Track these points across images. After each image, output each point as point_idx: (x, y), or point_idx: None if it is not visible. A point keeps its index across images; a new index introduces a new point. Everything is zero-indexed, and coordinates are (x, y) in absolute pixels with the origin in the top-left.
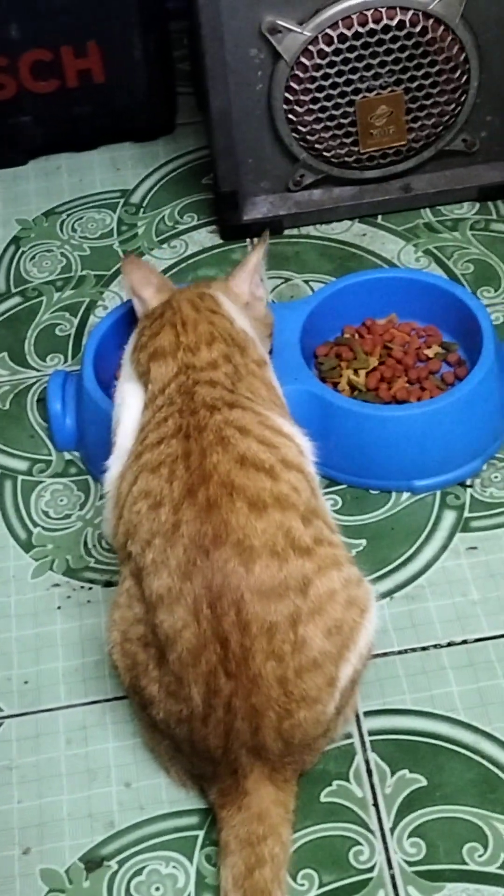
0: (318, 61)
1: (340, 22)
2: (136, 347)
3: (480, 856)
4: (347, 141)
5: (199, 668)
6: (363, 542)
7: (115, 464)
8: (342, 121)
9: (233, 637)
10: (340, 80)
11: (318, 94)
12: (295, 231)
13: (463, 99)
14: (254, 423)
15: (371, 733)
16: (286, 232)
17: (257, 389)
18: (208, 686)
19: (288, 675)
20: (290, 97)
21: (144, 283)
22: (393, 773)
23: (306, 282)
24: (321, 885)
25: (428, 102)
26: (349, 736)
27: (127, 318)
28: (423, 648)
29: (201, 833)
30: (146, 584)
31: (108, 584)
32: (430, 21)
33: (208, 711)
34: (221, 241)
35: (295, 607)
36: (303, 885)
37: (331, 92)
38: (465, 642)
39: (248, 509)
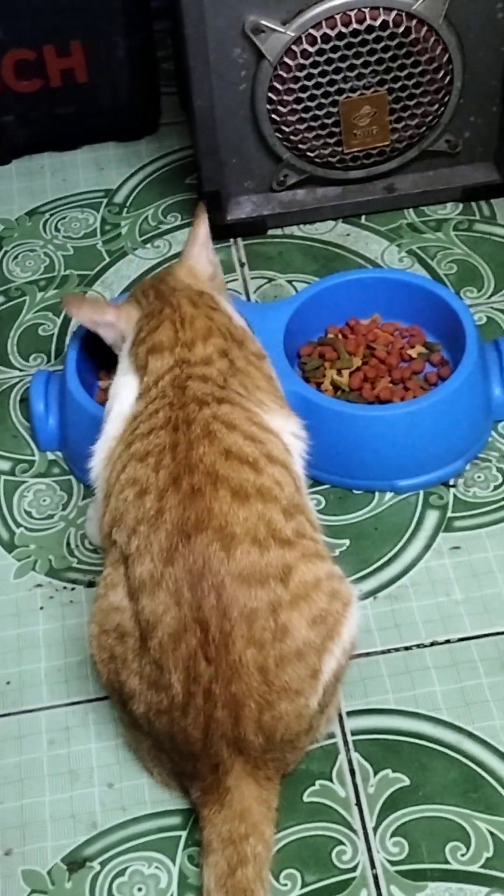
0: (302, 61)
1: (324, 22)
2: (135, 342)
3: (463, 855)
4: (331, 141)
5: (179, 652)
6: (346, 541)
7: (101, 448)
8: (326, 121)
9: (213, 621)
10: (324, 81)
11: (301, 95)
12: (279, 231)
13: (446, 100)
14: (241, 419)
15: (354, 733)
16: (270, 232)
17: (256, 382)
18: (188, 672)
19: (269, 665)
20: (274, 97)
21: (98, 312)
22: (376, 773)
23: (290, 282)
24: (304, 885)
25: (411, 103)
26: (332, 736)
27: None
28: (407, 648)
29: (184, 833)
30: (131, 571)
31: (90, 584)
32: (414, 22)
33: (188, 699)
34: None
35: (275, 595)
36: (286, 884)
37: (314, 92)
38: (448, 642)
39: (231, 498)
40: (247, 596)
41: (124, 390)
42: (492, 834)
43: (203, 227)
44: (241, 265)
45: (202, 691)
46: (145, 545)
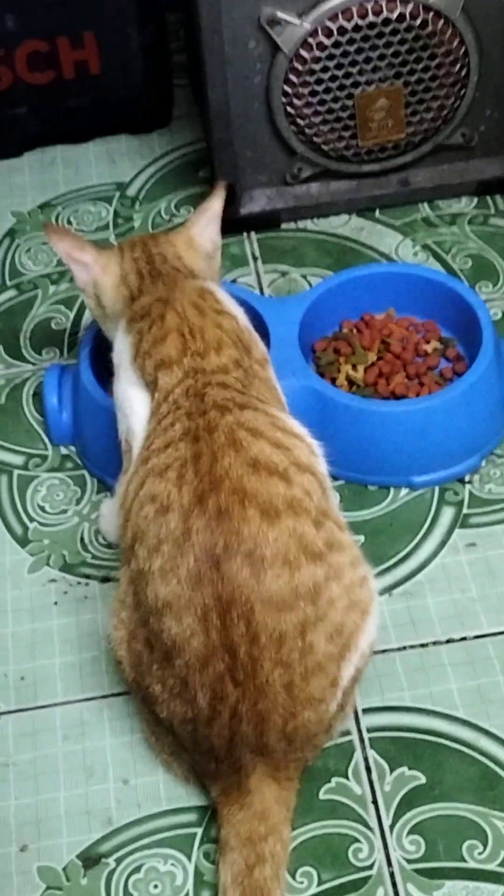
0: (318, 54)
1: (340, 14)
2: (140, 354)
3: (480, 853)
4: (346, 134)
5: (206, 675)
6: (362, 538)
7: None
8: (341, 114)
9: (241, 647)
10: (339, 74)
11: (316, 88)
12: (292, 225)
13: (462, 93)
14: (266, 425)
15: (370, 730)
16: (283, 226)
17: (268, 387)
18: (214, 692)
19: (294, 681)
20: (289, 90)
21: (77, 248)
22: (392, 771)
23: (303, 276)
24: (320, 883)
25: (427, 96)
26: (348, 733)
27: None
28: (423, 645)
29: (200, 830)
30: (150, 588)
31: (105, 579)
32: (431, 14)
33: (213, 715)
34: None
35: (304, 615)
36: (302, 882)
37: (330, 85)
38: (464, 639)
39: (261, 518)
40: (276, 621)
41: (140, 407)
42: None
43: (217, 203)
44: (255, 259)
45: (228, 709)
46: (171, 567)
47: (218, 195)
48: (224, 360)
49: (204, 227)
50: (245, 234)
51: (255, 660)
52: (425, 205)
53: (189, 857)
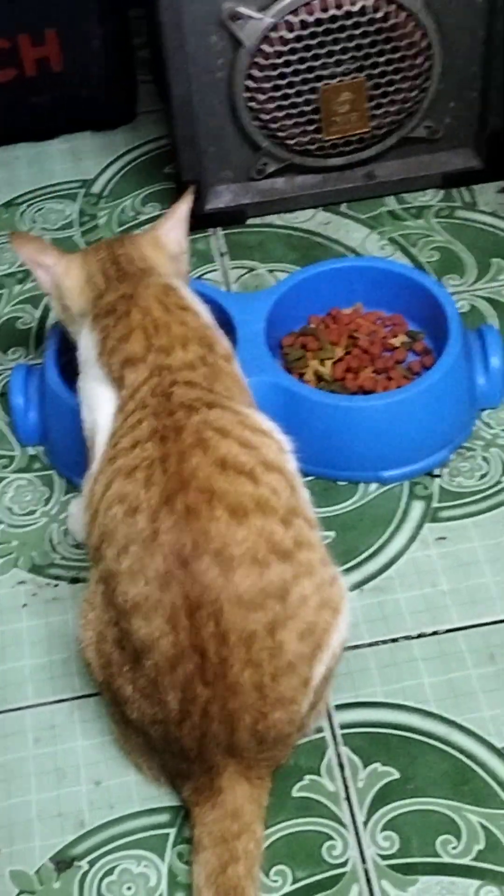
0: (280, 48)
1: (301, 8)
2: (106, 350)
3: (454, 848)
4: (310, 129)
5: (176, 675)
6: (332, 533)
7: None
8: (304, 108)
9: (211, 647)
10: (302, 67)
11: (279, 82)
12: (258, 220)
13: (426, 85)
14: (233, 423)
15: (343, 727)
16: (250, 221)
17: (234, 384)
18: (184, 692)
19: (265, 681)
20: (252, 85)
21: (40, 251)
22: (365, 767)
23: (271, 271)
24: (294, 881)
25: (391, 89)
26: (320, 730)
27: None
28: (394, 640)
29: (173, 831)
30: (119, 589)
31: (74, 580)
32: (393, 6)
33: (184, 716)
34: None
35: (273, 614)
36: (276, 881)
37: (293, 79)
38: (435, 633)
39: (229, 517)
40: (246, 620)
41: (106, 404)
42: (483, 826)
43: (184, 206)
44: (222, 255)
45: (199, 710)
46: (139, 567)
47: (186, 199)
48: (190, 356)
49: (170, 228)
50: (211, 230)
51: (224, 660)
52: (391, 198)
53: (162, 858)
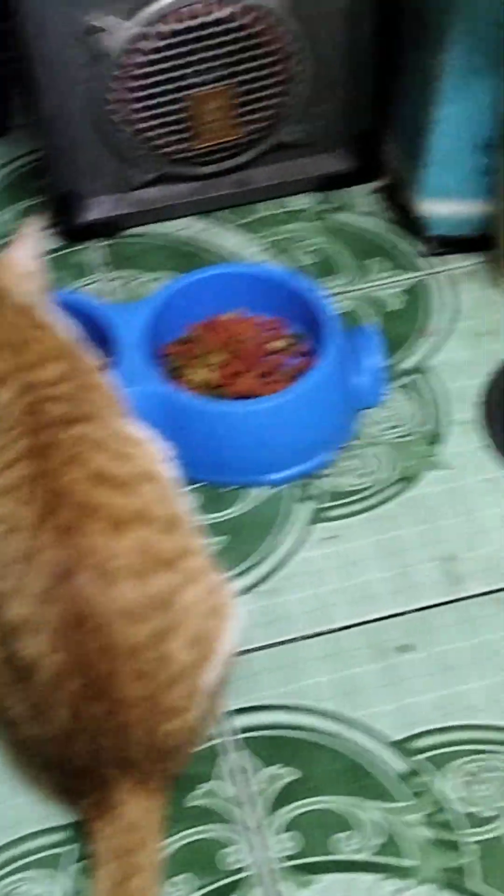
0: (146, 58)
1: (167, 16)
2: None
3: (355, 844)
4: (182, 137)
5: (64, 692)
6: (223, 538)
7: None
8: (175, 117)
9: (97, 662)
10: (169, 76)
11: (148, 91)
12: (137, 230)
13: (297, 90)
14: (106, 436)
15: (240, 731)
16: (129, 231)
17: (105, 394)
18: (74, 709)
19: (153, 693)
20: (121, 95)
21: None
22: (264, 769)
23: (151, 281)
24: (197, 889)
25: (261, 95)
26: (218, 735)
27: None
28: (287, 641)
29: (74, 848)
30: (4, 609)
31: None
32: (259, 14)
33: (74, 732)
34: (65, 243)
35: (158, 625)
36: (179, 890)
37: (161, 88)
38: (328, 632)
39: (108, 530)
40: (130, 632)
41: None
42: (382, 821)
43: (31, 227)
44: (101, 266)
45: (89, 726)
46: (19, 587)
47: (31, 222)
48: (55, 372)
49: (19, 248)
50: (89, 242)
51: (112, 674)
52: (268, 203)
53: (65, 876)
